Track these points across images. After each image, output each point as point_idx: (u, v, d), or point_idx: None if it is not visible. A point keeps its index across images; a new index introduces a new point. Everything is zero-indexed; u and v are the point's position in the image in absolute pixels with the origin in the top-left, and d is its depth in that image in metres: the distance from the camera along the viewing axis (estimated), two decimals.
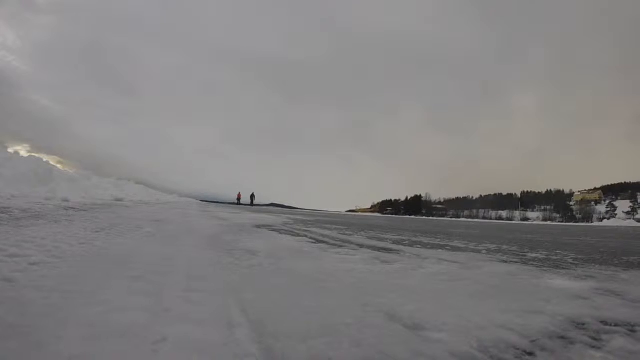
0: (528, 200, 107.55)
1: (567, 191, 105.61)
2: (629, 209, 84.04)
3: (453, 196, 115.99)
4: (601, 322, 1.86)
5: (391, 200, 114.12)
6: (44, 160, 11.41)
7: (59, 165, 14.41)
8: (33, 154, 11.37)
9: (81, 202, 9.37)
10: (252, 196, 51.63)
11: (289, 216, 13.99)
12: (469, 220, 43.28)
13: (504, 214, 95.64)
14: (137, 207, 11.38)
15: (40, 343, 1.35)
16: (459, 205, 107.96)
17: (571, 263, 3.88)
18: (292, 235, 5.94)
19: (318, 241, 5.12)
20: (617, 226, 23.72)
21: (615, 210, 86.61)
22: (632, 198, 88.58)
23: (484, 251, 4.72)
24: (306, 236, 5.81)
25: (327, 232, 6.78)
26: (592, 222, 62.20)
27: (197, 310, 1.78)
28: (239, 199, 53.28)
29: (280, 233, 6.21)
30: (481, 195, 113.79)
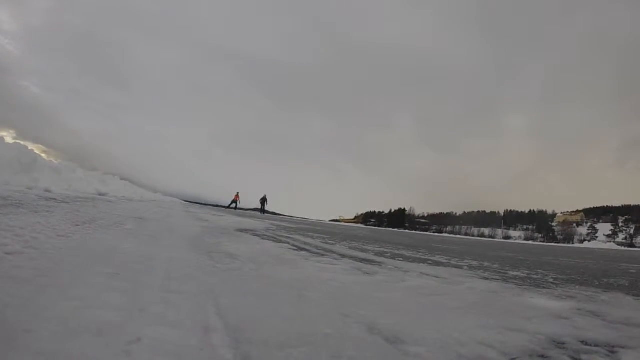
0: (511, 219, 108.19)
1: (549, 212, 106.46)
2: (610, 232, 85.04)
3: (437, 211, 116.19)
4: (581, 342, 1.86)
5: (375, 212, 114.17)
6: (29, 148, 11.26)
7: (43, 155, 14.21)
8: (18, 141, 11.19)
9: (64, 194, 9.26)
10: (264, 200, 40.88)
11: (272, 222, 13.94)
12: (452, 236, 43.46)
13: (486, 231, 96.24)
14: (120, 203, 11.27)
15: (9, 337, 1.31)
16: (442, 221, 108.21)
17: (552, 283, 3.88)
18: (274, 241, 5.91)
19: (300, 249, 5.09)
20: (598, 248, 23.97)
21: (596, 232, 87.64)
22: (614, 221, 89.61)
23: (465, 267, 4.72)
24: (288, 243, 5.78)
25: (309, 240, 6.75)
26: (573, 243, 62.91)
27: (173, 312, 1.74)
28: (235, 202, 41.08)
29: (262, 238, 6.17)
30: (465, 212, 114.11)
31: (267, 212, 42.18)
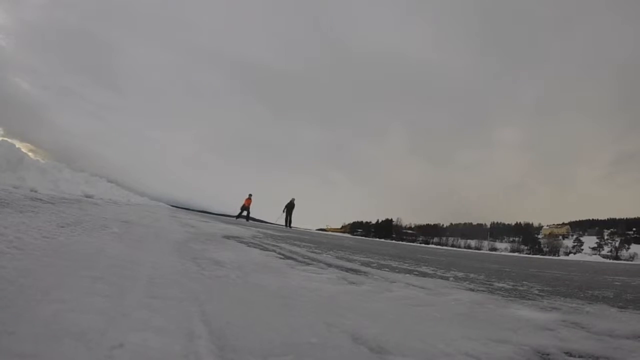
0: (497, 231, 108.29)
1: (536, 224, 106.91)
2: (595, 245, 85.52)
3: (424, 222, 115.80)
4: (565, 353, 1.87)
5: (362, 221, 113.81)
6: (17, 146, 11.17)
7: (30, 154, 14.06)
8: (6, 139, 11.10)
9: (49, 194, 9.19)
10: (290, 207, 30.63)
11: (259, 229, 13.85)
12: (438, 247, 43.46)
13: (472, 243, 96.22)
14: (107, 205, 11.20)
15: None
16: (429, 232, 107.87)
17: (537, 294, 3.90)
18: (261, 249, 5.88)
19: (286, 257, 5.07)
20: (583, 261, 24.13)
21: (581, 245, 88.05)
22: (599, 234, 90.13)
23: (451, 278, 4.72)
24: (275, 251, 5.75)
25: (296, 249, 6.72)
26: (558, 255, 63.21)
27: (157, 318, 1.72)
28: (246, 208, 31.22)
29: (249, 246, 6.14)
30: (451, 223, 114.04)
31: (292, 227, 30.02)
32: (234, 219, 29.23)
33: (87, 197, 13.00)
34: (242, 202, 31.86)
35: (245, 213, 31.41)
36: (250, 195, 31.94)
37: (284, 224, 30.23)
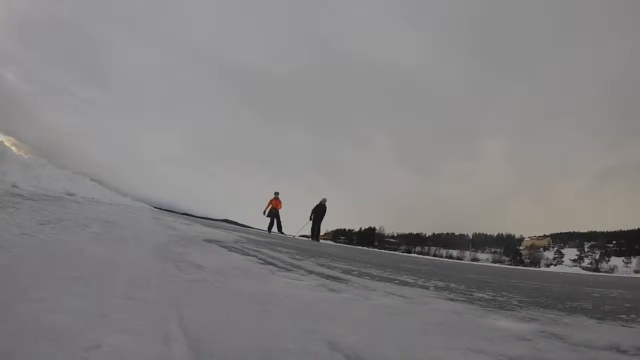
0: (479, 242, 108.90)
1: (517, 236, 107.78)
2: (576, 257, 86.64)
3: (406, 231, 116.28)
4: None
5: (345, 229, 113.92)
6: (0, 140, 11.07)
7: (13, 148, 13.90)
8: None
9: (31, 190, 9.08)
10: (319, 213, 25.42)
11: (241, 234, 13.75)
12: (420, 256, 43.47)
13: (454, 253, 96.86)
14: (88, 204, 11.07)
15: None
16: (411, 241, 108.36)
17: (516, 305, 3.92)
18: (242, 253, 5.85)
19: (267, 262, 5.04)
20: (563, 272, 24.34)
21: (562, 257, 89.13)
22: (580, 247, 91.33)
23: (431, 288, 4.73)
24: (256, 256, 5.72)
25: (277, 255, 6.69)
26: (539, 267, 63.83)
27: (134, 320, 1.71)
28: (275, 214, 24.68)
29: (230, 250, 6.11)
30: (434, 233, 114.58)
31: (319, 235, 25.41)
32: (267, 232, 22.99)
33: (69, 195, 12.84)
34: (268, 206, 24.63)
35: (270, 223, 24.50)
36: (276, 194, 24.78)
37: (309, 234, 25.22)
